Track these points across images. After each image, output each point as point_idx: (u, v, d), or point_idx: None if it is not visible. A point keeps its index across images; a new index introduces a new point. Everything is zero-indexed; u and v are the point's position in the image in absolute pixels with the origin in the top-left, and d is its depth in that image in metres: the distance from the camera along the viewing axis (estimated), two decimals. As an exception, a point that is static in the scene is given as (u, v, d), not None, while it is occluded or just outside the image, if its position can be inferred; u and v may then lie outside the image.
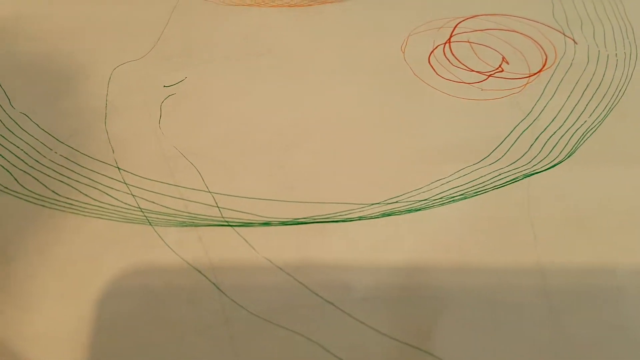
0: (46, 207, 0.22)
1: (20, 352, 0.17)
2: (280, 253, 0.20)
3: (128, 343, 0.18)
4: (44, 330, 0.18)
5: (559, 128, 0.25)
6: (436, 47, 0.29)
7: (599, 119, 0.25)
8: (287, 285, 0.19)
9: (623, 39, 0.31)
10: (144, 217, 0.21)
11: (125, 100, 0.26)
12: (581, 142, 0.24)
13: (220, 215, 0.21)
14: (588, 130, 0.25)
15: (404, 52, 0.29)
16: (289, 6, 0.34)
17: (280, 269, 0.19)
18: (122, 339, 0.18)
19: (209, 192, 0.22)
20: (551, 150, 0.24)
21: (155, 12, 0.32)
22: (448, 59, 0.29)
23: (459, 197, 0.22)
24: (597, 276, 0.19)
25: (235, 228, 0.21)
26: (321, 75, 0.28)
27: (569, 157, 0.23)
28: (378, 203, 0.21)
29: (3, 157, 0.24)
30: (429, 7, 0.33)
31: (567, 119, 0.25)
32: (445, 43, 0.30)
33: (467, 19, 0.32)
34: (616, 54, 0.29)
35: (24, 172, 0.23)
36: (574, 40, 0.30)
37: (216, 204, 0.21)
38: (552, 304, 0.18)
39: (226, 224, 0.21)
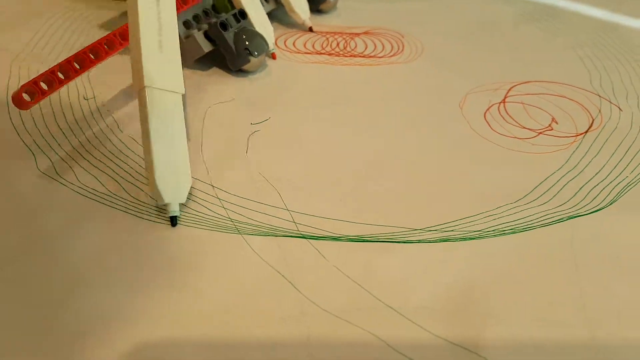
0: (150, 220, 0.25)
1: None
2: (348, 264, 0.23)
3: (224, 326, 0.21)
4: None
5: (602, 180, 0.27)
6: (492, 106, 0.33)
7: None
8: (353, 290, 0.22)
9: (666, 110, 0.33)
10: (234, 226, 0.24)
11: (217, 132, 0.31)
12: (622, 194, 0.26)
13: (296, 229, 0.24)
14: (629, 184, 0.27)
15: (461, 108, 0.33)
16: (360, 65, 0.38)
17: (348, 276, 0.22)
18: (219, 324, 0.21)
19: (287, 209, 0.25)
20: (594, 198, 0.26)
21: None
22: (502, 117, 0.32)
23: (509, 231, 0.24)
24: (634, 307, 0.21)
25: (309, 240, 0.24)
26: (389, 122, 0.32)
27: (610, 204, 0.26)
28: (435, 230, 0.24)
29: (113, 170, 0.28)
30: (486, 72, 0.37)
31: (610, 173, 0.28)
32: (500, 102, 0.33)
33: (521, 83, 0.35)
34: (658, 122, 0.32)
35: (132, 184, 0.27)
36: (619, 107, 0.33)
37: (292, 219, 0.25)
38: (591, 328, 0.20)
39: (301, 236, 0.24)
